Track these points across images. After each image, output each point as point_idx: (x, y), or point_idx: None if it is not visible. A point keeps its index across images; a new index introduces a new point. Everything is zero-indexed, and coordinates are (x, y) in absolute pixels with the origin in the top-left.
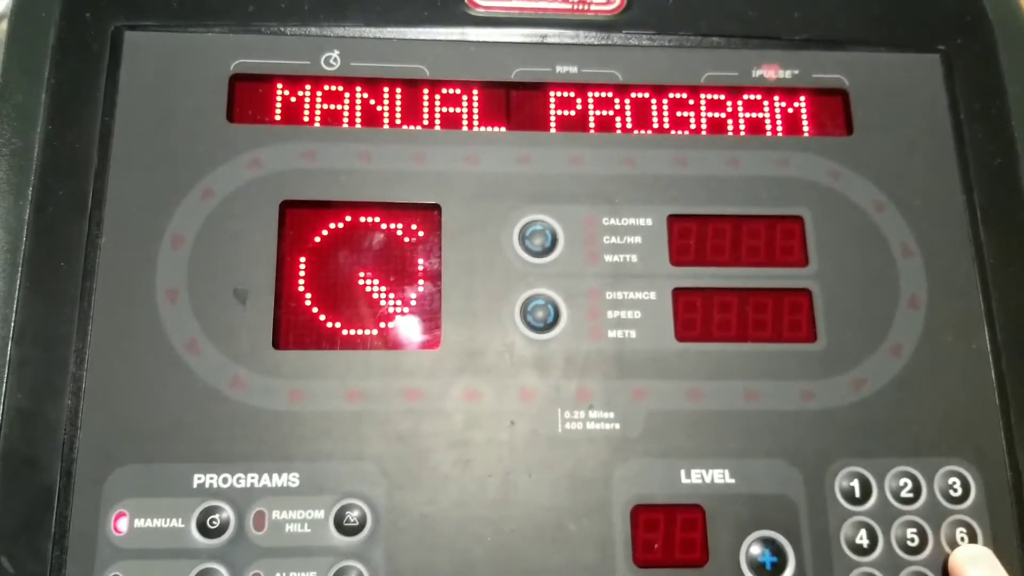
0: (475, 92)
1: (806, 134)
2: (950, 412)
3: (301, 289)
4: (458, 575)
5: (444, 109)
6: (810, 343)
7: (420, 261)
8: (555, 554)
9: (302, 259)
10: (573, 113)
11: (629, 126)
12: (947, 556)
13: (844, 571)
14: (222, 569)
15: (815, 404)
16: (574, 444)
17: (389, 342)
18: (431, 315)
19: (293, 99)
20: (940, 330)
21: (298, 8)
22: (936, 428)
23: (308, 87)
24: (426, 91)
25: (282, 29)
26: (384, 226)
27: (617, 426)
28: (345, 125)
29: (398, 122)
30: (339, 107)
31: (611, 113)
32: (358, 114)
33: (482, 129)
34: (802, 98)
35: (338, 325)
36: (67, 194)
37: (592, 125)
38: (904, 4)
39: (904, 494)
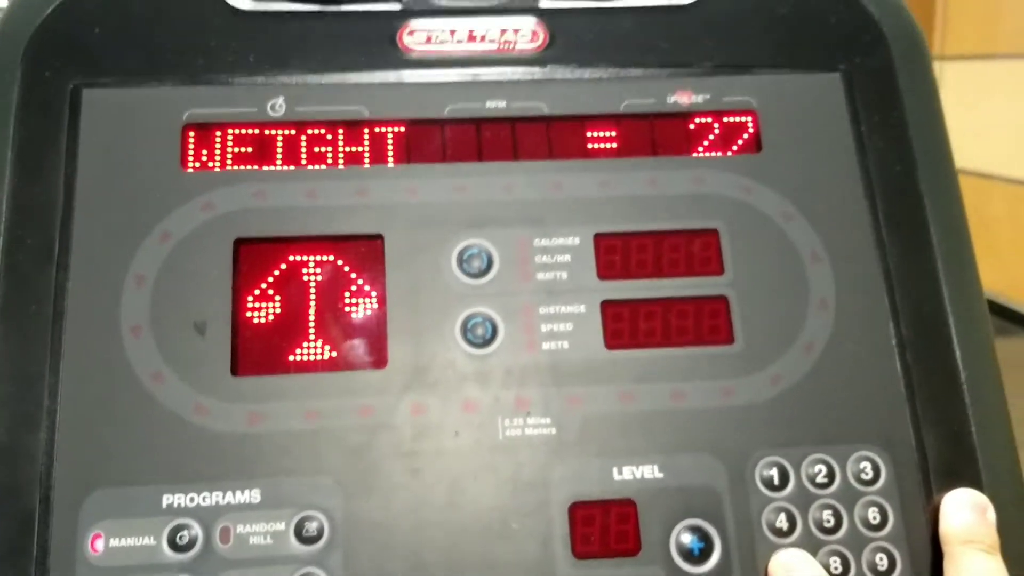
0: (412, 129)
1: (719, 153)
2: (860, 402)
3: (256, 319)
4: (413, 574)
5: (384, 146)
6: (729, 345)
7: (366, 287)
8: (501, 551)
9: (256, 291)
10: (503, 144)
11: (556, 153)
12: (862, 534)
13: (766, 553)
14: None
15: (736, 400)
16: (515, 449)
17: (340, 364)
18: (378, 337)
19: (242, 144)
20: (848, 327)
21: (244, 60)
22: (847, 417)
23: (256, 131)
24: (366, 131)
25: (229, 80)
26: (331, 257)
27: (554, 431)
28: (292, 166)
29: (341, 161)
30: (285, 149)
31: (539, 142)
32: (303, 155)
33: (420, 163)
34: (714, 120)
35: (292, 350)
36: (35, 243)
37: (521, 154)
38: (806, 28)
39: (819, 479)
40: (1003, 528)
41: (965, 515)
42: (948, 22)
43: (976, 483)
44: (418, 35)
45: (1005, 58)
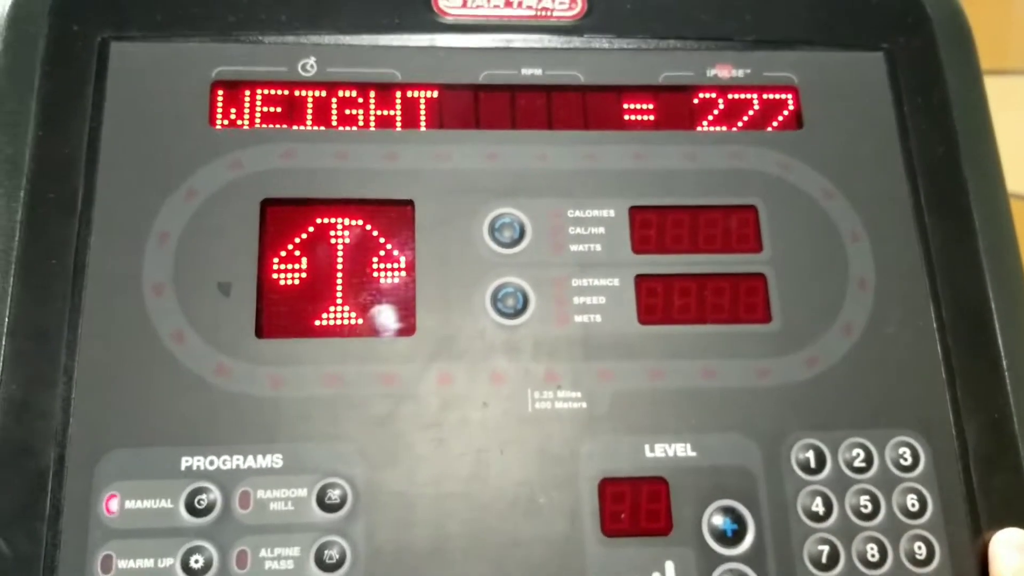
0: (445, 94)
1: (759, 129)
2: (899, 386)
3: (282, 281)
4: (434, 548)
5: (416, 110)
6: (765, 324)
7: (395, 254)
8: (527, 526)
9: (283, 253)
10: (538, 112)
11: (591, 124)
12: (900, 522)
13: (801, 537)
14: (210, 546)
15: (771, 381)
16: (544, 423)
17: (366, 330)
18: (406, 304)
19: (271, 103)
20: (888, 310)
21: (276, 18)
22: (886, 401)
23: (285, 92)
24: (398, 94)
25: (260, 38)
26: (360, 221)
27: (584, 405)
28: (321, 127)
29: (372, 123)
30: (316, 110)
31: (574, 112)
32: (334, 116)
33: (452, 129)
34: (754, 95)
35: (317, 314)
36: (57, 196)
37: (556, 123)
38: (849, 6)
39: (857, 464)
40: None
41: (1015, 558)
42: None
43: (1017, 472)
44: None
45: (1015, 74)
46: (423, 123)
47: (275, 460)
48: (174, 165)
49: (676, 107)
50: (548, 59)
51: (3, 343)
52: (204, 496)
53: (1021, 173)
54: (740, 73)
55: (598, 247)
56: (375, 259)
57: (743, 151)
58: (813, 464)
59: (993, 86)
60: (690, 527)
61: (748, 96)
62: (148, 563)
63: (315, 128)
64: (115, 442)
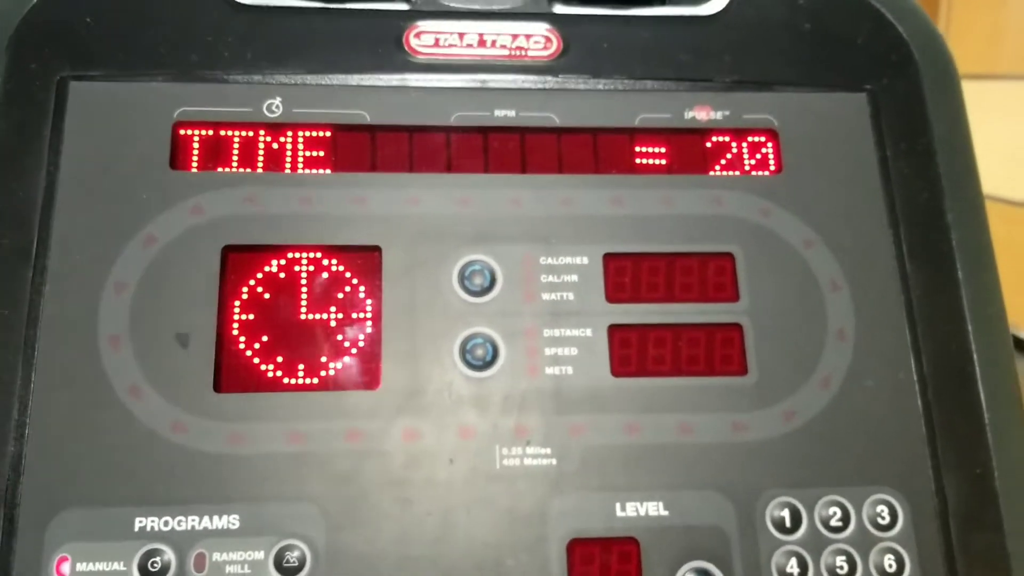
0: (415, 136)
1: (737, 173)
2: (878, 441)
3: (242, 333)
4: None
5: (385, 153)
6: (742, 376)
7: (361, 303)
8: None
9: (243, 302)
10: (511, 155)
11: (566, 168)
12: None
13: None
14: None
15: (747, 436)
16: (512, 480)
17: (329, 383)
18: (371, 356)
19: (235, 146)
20: (867, 362)
21: (241, 57)
22: (864, 457)
23: (250, 133)
24: (367, 136)
25: (225, 77)
26: (325, 268)
27: (554, 461)
28: (287, 171)
29: (339, 167)
30: (281, 153)
31: (548, 155)
32: (300, 159)
33: (422, 172)
34: (733, 138)
35: (279, 367)
36: (11, 242)
37: (530, 167)
38: (831, 45)
39: (833, 523)
40: None
41: None
42: (950, 42)
43: (997, 531)
44: (425, 37)
45: (1007, 79)
46: (392, 166)
47: (232, 521)
48: (133, 210)
49: (653, 150)
50: (522, 100)
51: None
52: (158, 559)
53: (1014, 178)
54: (719, 115)
55: (571, 295)
56: (340, 308)
57: (721, 196)
58: (788, 523)
59: (987, 91)
60: None
61: (727, 139)
62: None
63: (280, 172)
64: (67, 501)
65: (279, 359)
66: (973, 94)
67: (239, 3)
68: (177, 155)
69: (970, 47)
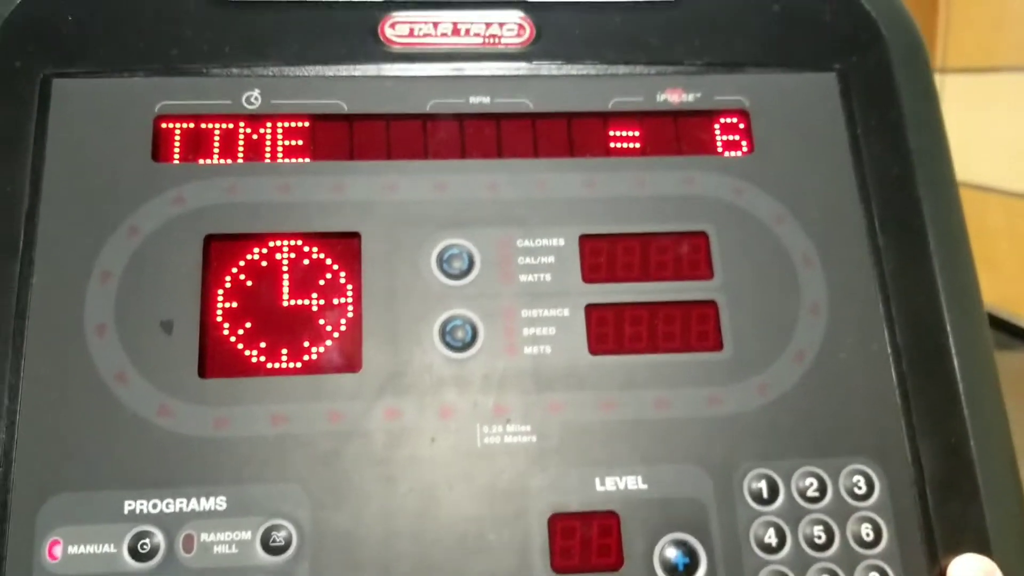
0: (392, 124)
1: (709, 154)
2: (853, 413)
3: (225, 319)
4: None
5: (362, 141)
6: (717, 351)
7: (341, 288)
8: (476, 563)
9: (226, 290)
10: (487, 141)
11: (541, 152)
12: (854, 552)
13: (754, 569)
14: None
15: (723, 410)
16: (493, 457)
17: (311, 367)
18: (352, 339)
19: (215, 137)
20: (841, 335)
21: (219, 50)
22: (840, 429)
23: (230, 125)
24: (345, 125)
25: (204, 71)
26: (305, 255)
27: (534, 439)
28: (267, 160)
29: (318, 155)
30: (260, 144)
31: (523, 140)
32: (280, 149)
33: (400, 159)
34: (704, 119)
35: (262, 352)
36: None
37: (505, 152)
38: (800, 26)
39: (810, 493)
40: (1001, 544)
41: None
42: (950, 34)
43: (974, 499)
44: (400, 28)
45: (1007, 71)
46: (370, 154)
47: (219, 502)
48: (116, 202)
49: (626, 132)
50: (497, 87)
51: None
52: (147, 540)
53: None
54: (691, 97)
55: (547, 276)
56: (321, 293)
57: (694, 176)
58: (766, 494)
59: (985, 83)
60: (641, 561)
61: (699, 120)
62: None
63: (259, 162)
64: (58, 487)
65: (262, 344)
66: (974, 87)
67: None
68: (159, 148)
69: (971, 40)
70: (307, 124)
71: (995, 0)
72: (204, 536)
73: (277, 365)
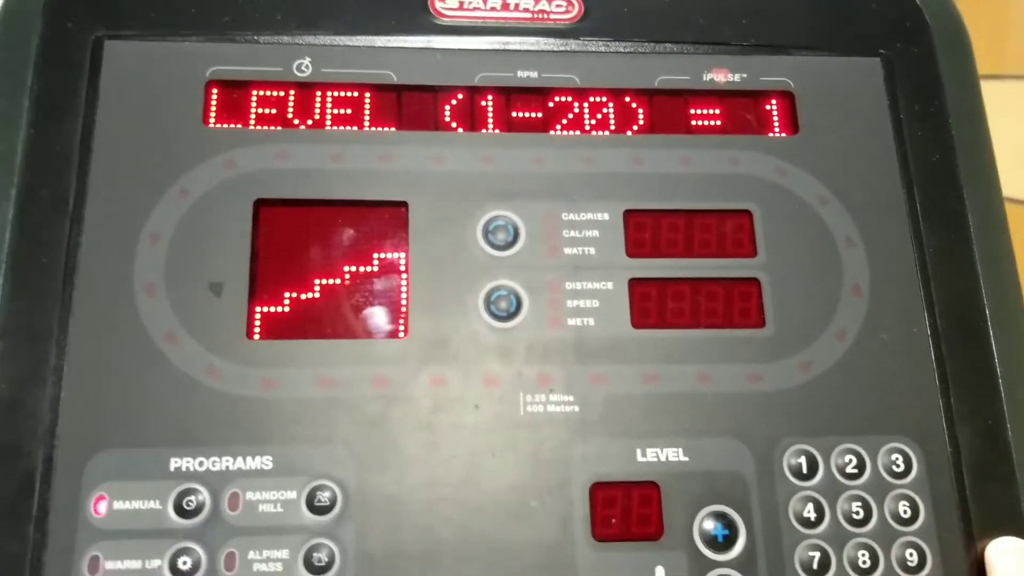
0: (440, 96)
1: (754, 134)
2: (892, 392)
3: (273, 282)
4: (425, 551)
5: (411, 112)
6: (759, 329)
7: (388, 255)
8: (518, 530)
9: (274, 253)
10: (534, 115)
11: (587, 127)
12: (892, 528)
13: (792, 543)
14: (198, 548)
15: (764, 386)
16: (535, 426)
17: (358, 332)
18: (399, 306)
19: (266, 103)
20: (882, 316)
21: (271, 18)
22: (879, 407)
23: (280, 92)
24: (393, 95)
25: (256, 38)
26: (353, 222)
27: (576, 409)
28: (316, 128)
29: (367, 125)
30: (310, 111)
31: (570, 115)
32: (329, 117)
33: (447, 131)
34: (750, 100)
35: (309, 316)
36: (49, 195)
37: (552, 126)
38: (846, 11)
39: (849, 470)
40: None
41: (1011, 564)
42: None
43: (1010, 480)
44: (450, 0)
45: (1012, 79)
46: (418, 124)
47: (265, 462)
48: (167, 164)
49: (672, 111)
50: (544, 62)
51: None
52: (193, 497)
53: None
54: (736, 77)
55: (592, 250)
56: (368, 261)
57: (739, 156)
58: (805, 470)
59: (991, 90)
60: (681, 532)
61: (744, 100)
62: (136, 564)
63: (310, 129)
64: (104, 443)
65: (310, 308)
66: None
67: None
68: (209, 112)
69: (976, 48)
70: (356, 93)
71: (999, 9)
72: (249, 495)
73: (324, 329)
